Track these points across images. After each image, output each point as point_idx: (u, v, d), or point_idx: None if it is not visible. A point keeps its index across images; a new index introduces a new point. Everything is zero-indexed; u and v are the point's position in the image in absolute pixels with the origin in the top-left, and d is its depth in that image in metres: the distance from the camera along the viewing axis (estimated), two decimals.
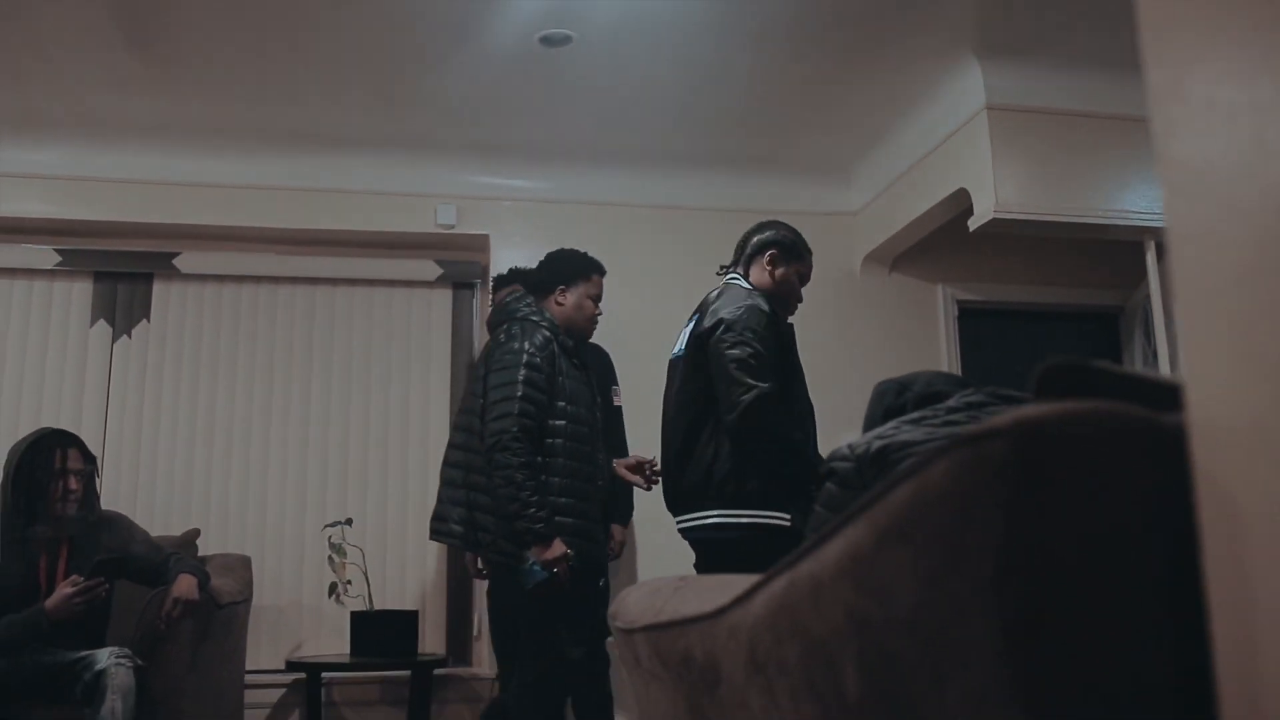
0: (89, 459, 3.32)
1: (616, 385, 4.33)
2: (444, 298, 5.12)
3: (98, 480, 3.38)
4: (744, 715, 0.98)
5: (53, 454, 3.21)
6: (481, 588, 4.74)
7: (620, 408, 4.29)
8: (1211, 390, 0.60)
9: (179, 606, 3.13)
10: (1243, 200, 0.60)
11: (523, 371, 3.21)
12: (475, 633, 4.84)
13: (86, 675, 2.89)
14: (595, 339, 4.17)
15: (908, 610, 0.69)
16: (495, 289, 4.31)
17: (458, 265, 5.09)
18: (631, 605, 1.45)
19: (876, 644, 0.72)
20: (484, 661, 4.71)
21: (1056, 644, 0.62)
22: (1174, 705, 0.61)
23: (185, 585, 3.16)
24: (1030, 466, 0.63)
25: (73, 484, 3.20)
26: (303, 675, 4.26)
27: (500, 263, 4.91)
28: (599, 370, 4.15)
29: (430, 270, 5.05)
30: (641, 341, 4.50)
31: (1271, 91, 0.58)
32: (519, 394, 3.18)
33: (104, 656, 2.92)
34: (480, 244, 5.04)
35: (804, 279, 3.29)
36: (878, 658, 0.72)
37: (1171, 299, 0.85)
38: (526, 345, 3.25)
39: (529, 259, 4.68)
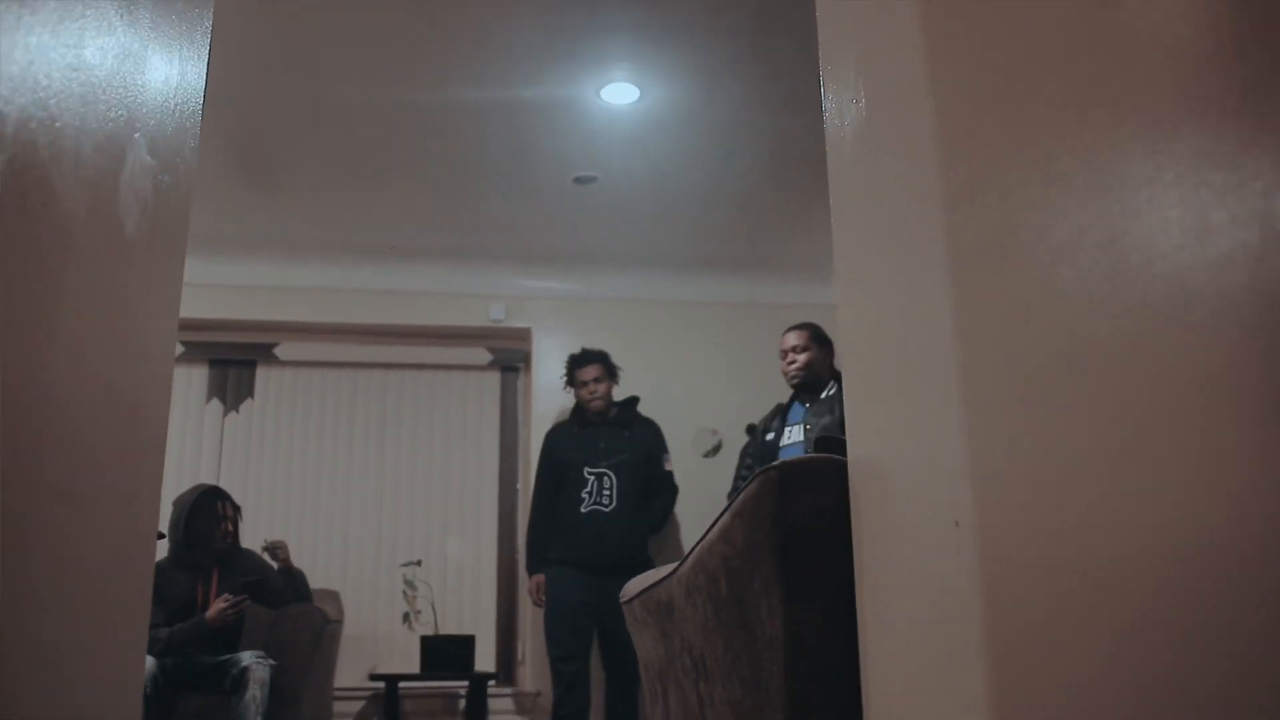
0: (236, 507, 4.17)
1: (667, 454, 5.09)
2: (493, 379, 5.95)
3: (241, 523, 4.23)
4: (684, 624, 1.76)
5: (213, 505, 4.06)
6: (526, 618, 5.51)
7: (670, 472, 5.06)
8: (860, 445, 1.39)
9: (280, 551, 4.09)
10: (882, 326, 1.38)
11: None
12: (520, 657, 5.59)
13: (234, 670, 3.69)
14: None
15: (741, 547, 1.48)
16: (576, 367, 5.09)
17: (505, 353, 5.94)
18: (632, 587, 2.24)
19: (730, 565, 1.51)
20: (528, 681, 5.46)
21: (796, 556, 1.40)
22: (846, 583, 1.39)
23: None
24: (785, 482, 1.42)
25: (228, 527, 4.04)
26: (381, 688, 5.03)
27: (541, 350, 5.77)
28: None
29: (483, 357, 5.90)
30: (658, 417, 5.27)
31: (893, 261, 1.38)
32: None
33: (247, 656, 3.72)
34: (524, 335, 5.89)
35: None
36: (731, 572, 1.51)
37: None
38: None
39: (565, 347, 5.52)
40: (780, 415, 4.27)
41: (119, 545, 1.12)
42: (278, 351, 5.79)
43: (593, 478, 4.84)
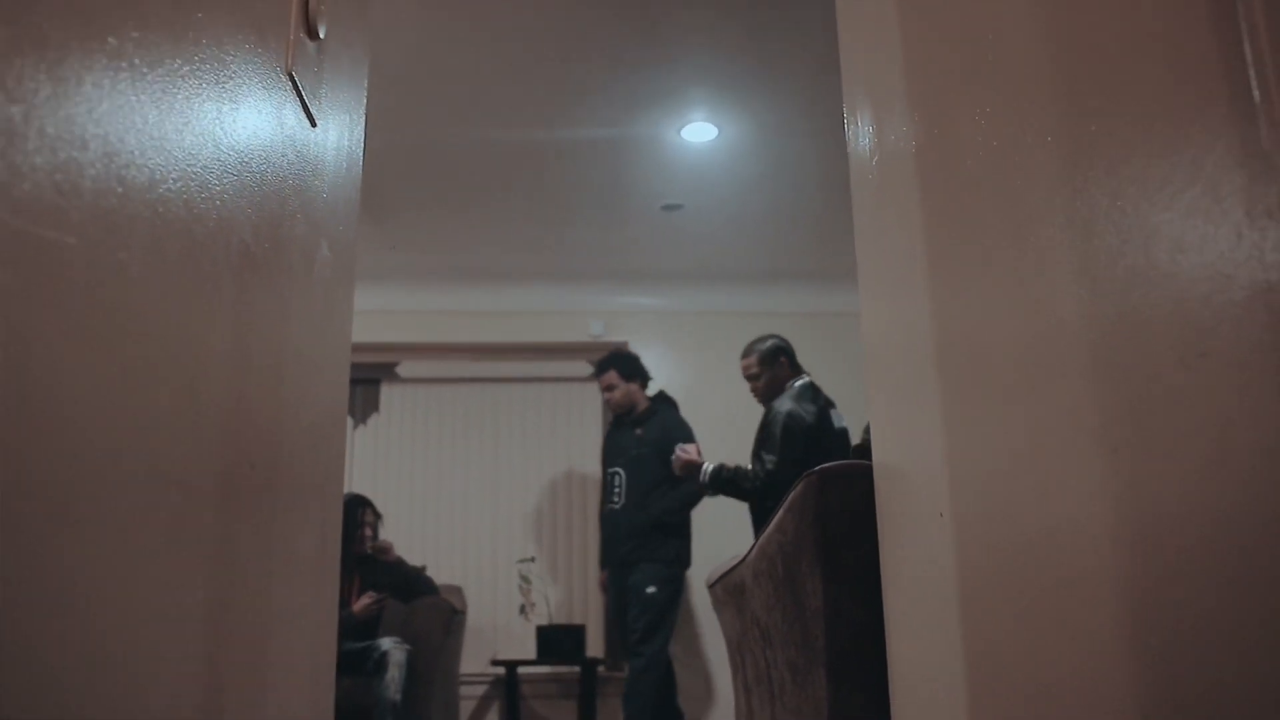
0: (377, 515, 4.63)
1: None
2: (594, 390, 6.30)
3: (381, 527, 4.70)
4: (753, 601, 2.09)
5: (355, 513, 4.51)
6: None
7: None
8: (883, 452, 1.70)
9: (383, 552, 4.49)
10: (899, 343, 1.70)
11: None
12: None
13: (375, 655, 4.12)
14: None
15: (793, 536, 1.80)
16: (599, 373, 5.31)
17: None
18: (714, 572, 2.58)
19: (785, 551, 1.84)
20: None
21: (834, 542, 1.72)
22: (873, 564, 1.70)
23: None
24: (824, 484, 1.74)
25: (367, 532, 4.49)
26: (503, 672, 5.45)
27: None
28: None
29: (585, 369, 6.28)
30: (747, 418, 5.55)
31: (894, 295, 1.69)
32: None
33: (386, 642, 4.15)
34: (621, 348, 6.26)
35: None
36: (785, 557, 1.84)
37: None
38: None
39: (659, 357, 5.86)
40: None
41: (321, 540, 1.50)
42: (399, 370, 6.25)
43: (610, 477, 5.11)
